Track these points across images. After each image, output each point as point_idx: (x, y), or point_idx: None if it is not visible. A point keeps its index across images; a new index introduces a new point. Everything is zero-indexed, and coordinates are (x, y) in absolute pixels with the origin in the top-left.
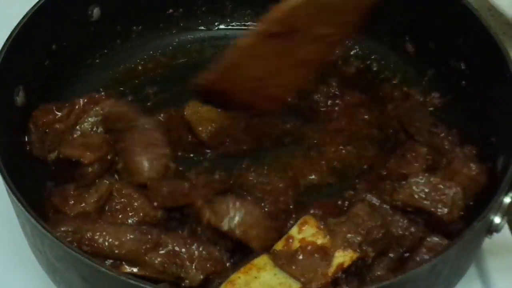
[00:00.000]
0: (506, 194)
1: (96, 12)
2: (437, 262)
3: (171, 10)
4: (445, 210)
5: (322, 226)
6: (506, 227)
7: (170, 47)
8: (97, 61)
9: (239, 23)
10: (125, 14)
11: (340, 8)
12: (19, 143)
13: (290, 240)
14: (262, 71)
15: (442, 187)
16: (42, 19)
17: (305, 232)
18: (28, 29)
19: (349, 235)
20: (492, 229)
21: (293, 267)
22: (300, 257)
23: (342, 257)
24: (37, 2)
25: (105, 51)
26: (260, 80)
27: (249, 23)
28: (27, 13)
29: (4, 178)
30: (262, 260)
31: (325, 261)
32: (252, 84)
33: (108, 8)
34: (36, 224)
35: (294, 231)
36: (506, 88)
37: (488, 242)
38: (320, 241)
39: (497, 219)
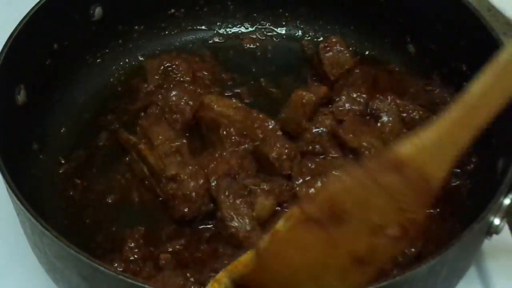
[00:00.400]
0: (506, 195)
1: (98, 11)
2: (435, 263)
3: (172, 10)
4: None
5: None
6: (506, 229)
7: (172, 47)
8: (98, 60)
9: (240, 24)
10: (127, 14)
11: (397, 194)
12: (20, 141)
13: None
14: (303, 265)
15: None
16: (44, 18)
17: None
18: (29, 28)
19: None
20: (491, 230)
21: None
22: None
23: None
24: (39, 1)
25: (107, 50)
26: (302, 278)
27: (251, 23)
28: (28, 12)
29: (4, 176)
30: (249, 256)
31: None
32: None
33: (110, 7)
34: (35, 222)
35: (280, 225)
36: None
37: (488, 243)
38: None
39: (496, 221)
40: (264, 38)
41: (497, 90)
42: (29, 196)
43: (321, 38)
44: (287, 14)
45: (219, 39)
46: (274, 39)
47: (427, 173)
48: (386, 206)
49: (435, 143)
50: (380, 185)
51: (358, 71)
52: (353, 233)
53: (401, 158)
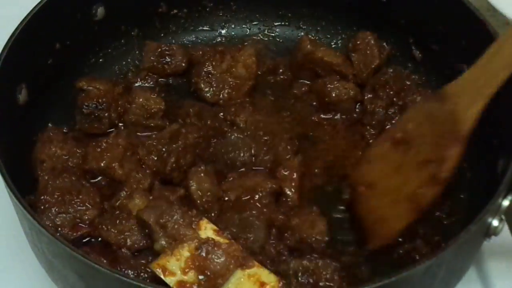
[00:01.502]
0: (504, 197)
1: (100, 11)
2: (431, 263)
3: (175, 11)
4: None
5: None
6: (506, 230)
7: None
8: (100, 60)
9: (244, 25)
10: (129, 14)
11: (441, 132)
12: (20, 141)
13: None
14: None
15: None
16: (46, 17)
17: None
18: (31, 27)
19: None
20: (490, 232)
21: None
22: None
23: None
24: (41, 1)
25: (109, 50)
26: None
27: (253, 23)
28: (31, 11)
29: (3, 176)
30: None
31: None
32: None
33: (112, 7)
34: (33, 221)
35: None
36: (507, 90)
37: (488, 244)
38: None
39: (495, 222)
40: (266, 39)
41: None
42: (27, 195)
43: (323, 39)
44: (289, 15)
45: (221, 40)
46: (277, 39)
47: (459, 109)
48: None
49: (470, 81)
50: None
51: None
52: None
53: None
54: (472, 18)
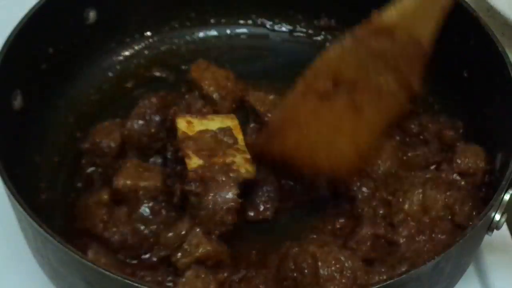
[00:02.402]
0: (506, 191)
1: (92, 15)
2: (440, 259)
3: (175, 12)
4: None
5: None
6: (504, 226)
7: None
8: (93, 64)
9: (243, 24)
10: (121, 17)
11: (390, 58)
12: (19, 147)
13: None
14: (319, 131)
15: None
16: (39, 23)
17: None
18: (25, 33)
19: None
20: (492, 226)
21: None
22: None
23: None
24: (34, 6)
25: (101, 54)
26: (320, 141)
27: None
28: (23, 17)
29: (5, 183)
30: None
31: None
32: (312, 145)
33: (104, 11)
34: (38, 228)
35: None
36: (505, 88)
37: (486, 241)
38: None
39: (497, 216)
40: (266, 38)
41: None
42: (30, 202)
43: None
44: (290, 13)
45: (219, 42)
46: (278, 38)
47: (415, 33)
48: (384, 70)
49: (417, 6)
50: (374, 50)
51: None
52: (357, 97)
53: (389, 23)
54: (470, 18)
